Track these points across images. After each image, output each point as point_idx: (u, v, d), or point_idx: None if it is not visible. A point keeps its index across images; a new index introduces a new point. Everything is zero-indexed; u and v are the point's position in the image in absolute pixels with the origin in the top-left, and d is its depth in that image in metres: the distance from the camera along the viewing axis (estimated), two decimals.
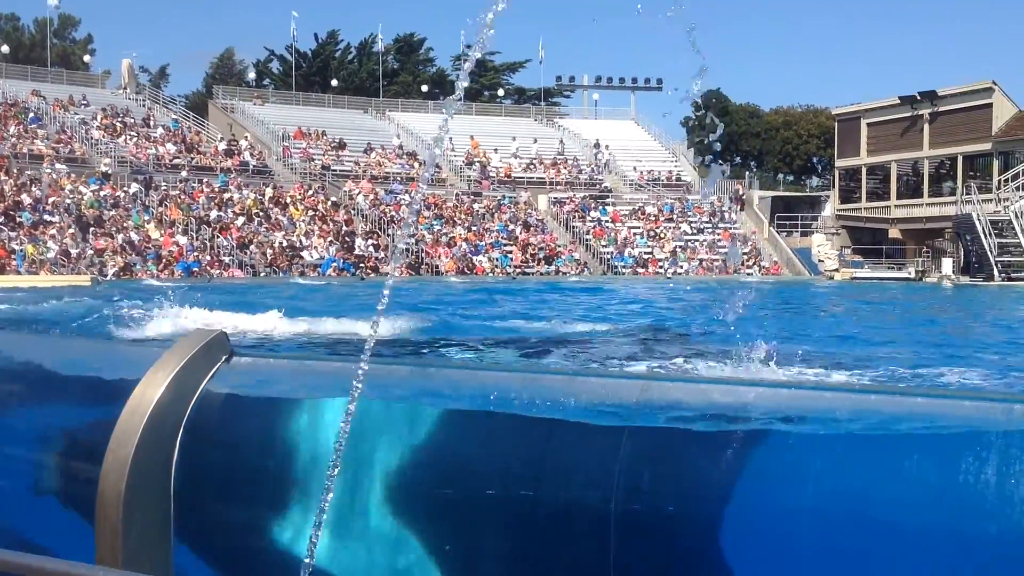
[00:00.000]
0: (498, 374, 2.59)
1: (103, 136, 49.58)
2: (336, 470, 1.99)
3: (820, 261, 50.91)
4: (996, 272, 37.81)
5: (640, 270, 49.20)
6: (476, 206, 53.03)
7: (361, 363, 2.03)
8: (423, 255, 46.96)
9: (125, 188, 45.46)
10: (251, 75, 78.41)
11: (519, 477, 2.24)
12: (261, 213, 46.96)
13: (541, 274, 46.88)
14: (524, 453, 2.26)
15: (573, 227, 52.88)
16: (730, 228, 54.34)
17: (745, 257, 51.80)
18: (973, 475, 1.81)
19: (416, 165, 55.41)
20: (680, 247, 52.04)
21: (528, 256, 49.26)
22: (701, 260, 51.08)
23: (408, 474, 2.27)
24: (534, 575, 2.18)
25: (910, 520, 1.84)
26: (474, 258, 47.97)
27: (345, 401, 2.05)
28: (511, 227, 51.68)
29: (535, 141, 61.12)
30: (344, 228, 47.66)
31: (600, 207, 54.99)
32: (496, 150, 59.51)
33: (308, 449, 2.23)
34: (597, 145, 61.61)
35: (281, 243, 44.82)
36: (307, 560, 1.93)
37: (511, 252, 49.26)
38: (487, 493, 2.28)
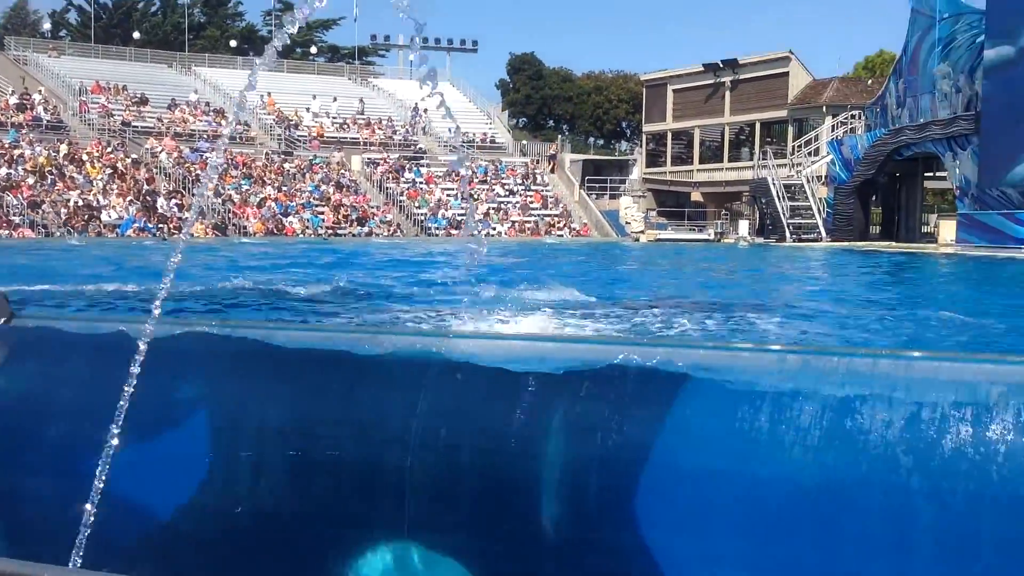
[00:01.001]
0: (294, 333, 2.56)
1: None
2: (118, 424, 1.93)
3: (627, 223, 52.38)
4: (788, 234, 39.86)
5: (454, 232, 49.37)
6: (287, 166, 51.84)
7: (147, 323, 1.96)
8: (230, 216, 45.60)
9: None
10: (46, 26, 73.84)
11: (318, 436, 2.23)
12: (55, 171, 44.46)
13: (353, 235, 46.38)
14: (322, 412, 2.24)
15: (387, 188, 52.46)
16: (542, 191, 55.17)
17: (555, 219, 52.70)
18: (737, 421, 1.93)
19: (223, 123, 53.62)
20: (494, 209, 52.46)
21: (340, 217, 48.61)
22: (514, 222, 51.68)
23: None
24: (330, 532, 2.18)
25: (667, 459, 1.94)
26: (284, 219, 46.96)
27: (132, 359, 1.98)
28: (323, 188, 50.82)
29: (361, 101, 60.16)
30: (145, 187, 45.71)
31: (414, 168, 54.76)
32: (308, 109, 58.25)
33: (91, 409, 2.15)
34: (416, 109, 61.23)
35: (77, 202, 42.61)
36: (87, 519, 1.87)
37: (323, 213, 48.48)
38: (286, 453, 2.26)
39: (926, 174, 39.70)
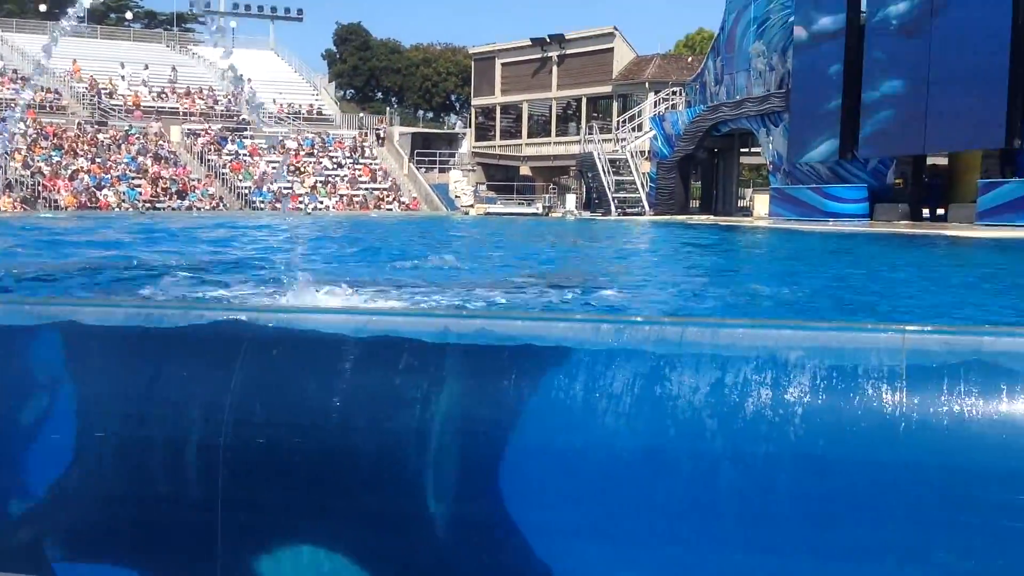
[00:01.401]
0: (99, 309, 2.45)
1: None
2: None
3: (456, 197, 52.51)
4: (613, 207, 40.81)
5: (279, 205, 48.34)
6: (101, 136, 49.56)
7: None
8: (39, 188, 43.31)
9: None
10: None
11: (125, 415, 2.15)
12: None
13: (172, 209, 44.82)
14: (129, 389, 2.17)
15: (208, 160, 50.85)
16: (371, 164, 54.62)
17: (385, 192, 52.31)
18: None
19: (33, 92, 50.75)
20: (321, 182, 51.63)
21: (159, 190, 46.86)
22: (342, 195, 51.01)
23: None
24: (138, 515, 2.11)
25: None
26: (98, 192, 44.92)
27: None
28: (140, 159, 48.84)
29: (174, 69, 57.88)
30: None
31: (237, 140, 53.27)
32: (123, 77, 55.76)
33: None
34: (243, 79, 59.35)
35: None
36: None
37: (140, 186, 46.62)
38: (95, 435, 2.17)
39: (742, 150, 41.32)
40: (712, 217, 37.06)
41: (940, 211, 28.07)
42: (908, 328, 2.03)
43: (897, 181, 28.72)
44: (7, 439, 2.21)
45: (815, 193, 30.75)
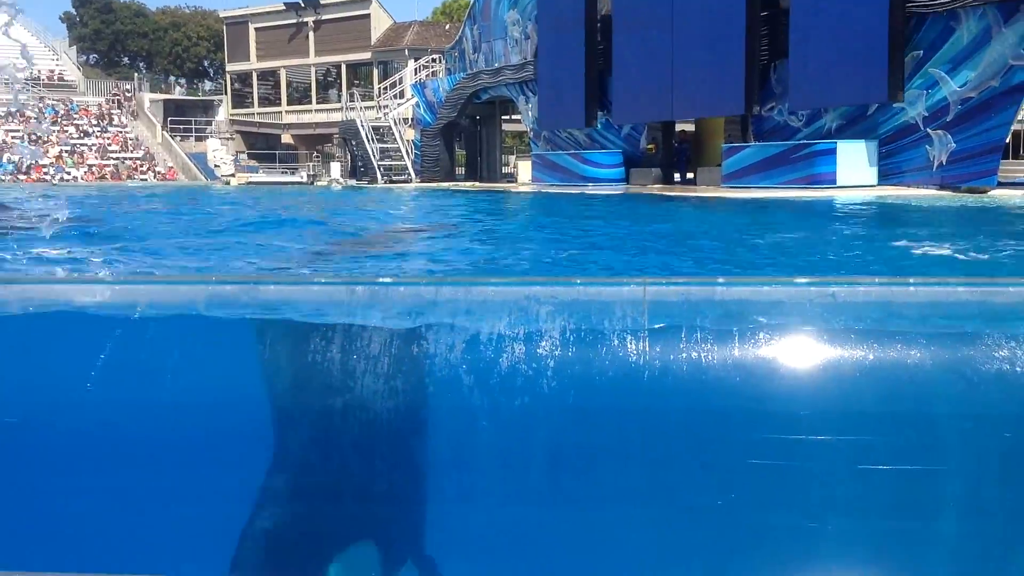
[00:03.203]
0: None
1: None
2: None
3: (216, 166, 50.75)
4: (379, 175, 40.59)
5: (23, 176, 45.24)
6: None
7: None
8: None
9: None
10: None
11: None
12: None
13: None
14: None
15: None
16: (120, 132, 51.87)
17: (138, 162, 49.87)
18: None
19: None
20: (67, 151, 48.62)
21: None
22: (91, 166, 48.25)
23: None
24: None
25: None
26: None
27: None
28: None
29: None
30: None
31: None
32: None
33: None
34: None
35: None
36: None
37: None
38: None
39: (504, 117, 41.97)
40: (477, 184, 37.53)
41: (691, 175, 29.56)
42: (649, 281, 2.15)
43: (649, 147, 29.99)
44: None
45: (574, 159, 31.67)
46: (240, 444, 1.97)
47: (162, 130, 52.72)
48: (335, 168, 45.48)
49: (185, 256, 9.52)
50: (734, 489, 1.95)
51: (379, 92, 46.79)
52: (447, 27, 53.28)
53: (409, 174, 40.68)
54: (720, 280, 2.26)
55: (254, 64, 57.71)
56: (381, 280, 2.19)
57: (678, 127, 31.42)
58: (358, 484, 1.96)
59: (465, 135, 42.90)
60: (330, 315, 2.09)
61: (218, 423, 1.93)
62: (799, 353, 1.99)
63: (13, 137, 48.40)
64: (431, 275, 6.98)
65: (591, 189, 28.31)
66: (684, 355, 2.04)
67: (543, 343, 2.03)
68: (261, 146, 54.45)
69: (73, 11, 79.25)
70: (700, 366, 2.02)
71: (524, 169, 36.42)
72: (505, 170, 43.75)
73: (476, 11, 38.62)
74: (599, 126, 30.98)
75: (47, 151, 48.10)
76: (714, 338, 2.05)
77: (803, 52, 23.00)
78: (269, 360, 2.01)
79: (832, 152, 22.23)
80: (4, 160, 46.17)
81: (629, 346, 2.03)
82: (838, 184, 21.69)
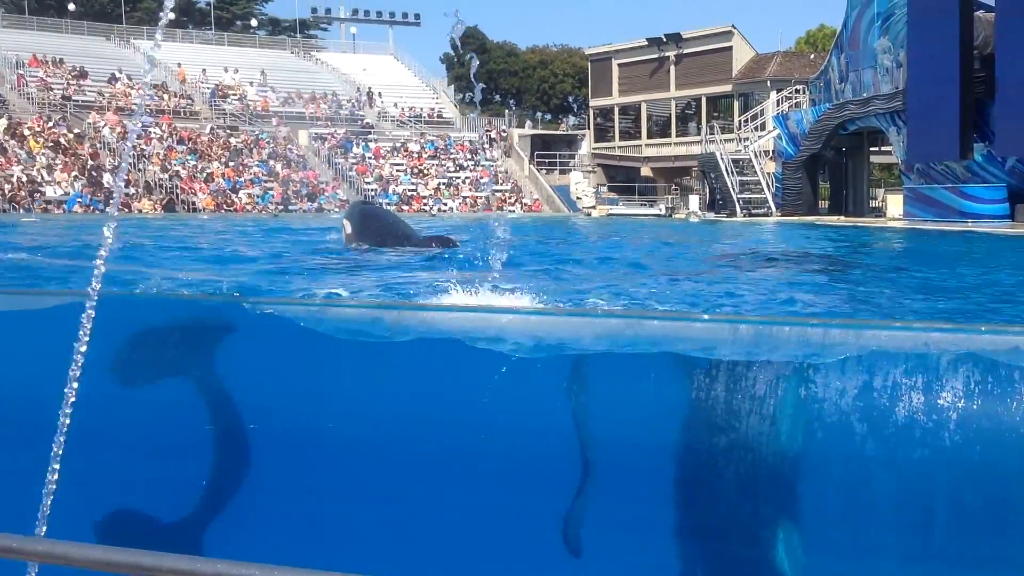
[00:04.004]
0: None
1: None
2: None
3: (578, 198, 52.54)
4: (738, 208, 40.16)
5: (405, 207, 49.18)
6: (233, 140, 51.21)
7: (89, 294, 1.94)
8: (178, 191, 45.01)
9: None
10: None
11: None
12: None
13: (304, 211, 45.99)
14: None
15: (335, 164, 52.05)
16: (490, 166, 55.06)
17: (507, 194, 52.67)
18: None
19: (167, 97, 52.75)
20: (444, 184, 52.30)
21: (290, 193, 48.17)
22: (465, 197, 51.57)
23: None
24: None
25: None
26: (233, 195, 46.45)
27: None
28: (271, 163, 50.29)
29: (301, 74, 59.48)
30: (90, 162, 44.93)
31: (362, 144, 54.36)
32: (252, 83, 57.52)
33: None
34: (370, 93, 60.62)
35: (20, 178, 41.78)
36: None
37: (272, 189, 48.01)
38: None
39: (872, 148, 40.21)
40: (843, 218, 36.16)
41: None
42: None
43: None
44: None
45: (951, 193, 29.72)
46: (620, 475, 2.00)
47: (529, 164, 55.35)
48: (693, 201, 45.55)
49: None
50: None
51: (739, 124, 46.38)
52: (811, 57, 51.87)
53: (769, 207, 39.93)
54: None
55: (616, 99, 59.18)
56: (766, 319, 2.15)
57: None
58: (743, 525, 1.93)
59: (829, 167, 41.51)
60: (715, 352, 2.07)
61: (607, 455, 1.97)
62: None
63: (397, 170, 52.73)
64: (813, 316, 6.77)
65: (972, 226, 26.32)
66: None
67: (944, 394, 1.90)
68: (621, 179, 55.70)
69: (452, 52, 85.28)
70: None
71: (893, 203, 34.65)
72: (872, 204, 41.80)
73: (844, 40, 37.35)
74: (979, 158, 28.82)
75: (427, 184, 51.98)
76: None
77: None
78: (657, 395, 2.03)
79: None
80: (389, 191, 50.41)
81: None
82: None
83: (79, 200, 41.50)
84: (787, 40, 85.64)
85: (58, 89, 50.45)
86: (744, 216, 39.60)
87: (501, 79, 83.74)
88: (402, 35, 78.22)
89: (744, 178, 41.18)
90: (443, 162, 54.37)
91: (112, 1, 72.72)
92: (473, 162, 55.07)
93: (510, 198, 52.31)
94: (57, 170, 43.35)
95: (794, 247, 19.52)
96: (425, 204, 49.95)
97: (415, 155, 54.47)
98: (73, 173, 43.47)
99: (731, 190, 40.69)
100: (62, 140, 45.74)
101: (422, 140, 55.84)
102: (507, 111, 69.61)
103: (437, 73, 72.03)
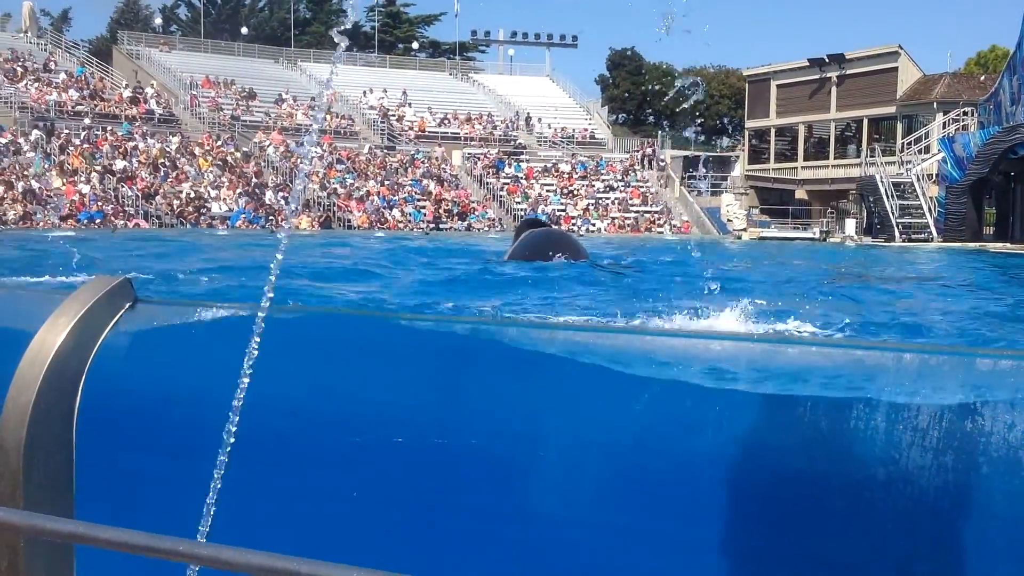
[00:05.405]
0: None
1: (3, 81, 47.75)
2: (236, 418, 1.98)
3: (729, 220, 51.74)
4: (897, 233, 38.84)
5: (554, 227, 49.42)
6: (389, 160, 52.57)
7: (259, 310, 2.01)
8: (335, 209, 46.44)
9: (26, 134, 43.95)
10: (157, 21, 76.28)
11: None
12: (168, 163, 45.86)
13: (454, 230, 46.78)
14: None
15: (487, 183, 52.78)
16: (640, 187, 54.81)
17: (656, 215, 52.33)
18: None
19: (329, 117, 54.57)
20: (593, 205, 52.35)
21: (441, 211, 49.07)
22: (613, 218, 51.48)
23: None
24: None
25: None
26: (387, 212, 47.62)
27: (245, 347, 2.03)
28: (424, 182, 51.38)
29: (458, 95, 60.71)
30: (254, 180, 46.84)
31: (515, 164, 54.97)
32: (410, 104, 58.94)
33: (211, 397, 2.20)
34: (528, 118, 61.39)
35: (188, 194, 43.89)
36: (208, 508, 1.93)
37: (424, 207, 49.02)
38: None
39: None
40: (1009, 245, 34.52)
41: None
42: None
43: None
44: None
45: None
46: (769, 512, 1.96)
47: (680, 185, 54.86)
48: (850, 224, 44.26)
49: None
50: None
51: (902, 147, 44.88)
52: (981, 78, 49.80)
53: (930, 232, 38.46)
54: None
55: (773, 120, 58.09)
56: (931, 347, 2.06)
57: None
58: (898, 563, 1.86)
59: (996, 192, 39.71)
60: (873, 385, 1.98)
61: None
62: None
63: (547, 190, 53.08)
64: (980, 346, 6.48)
65: None
66: None
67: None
68: (774, 201, 54.59)
69: (607, 74, 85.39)
70: None
71: None
72: None
73: (1017, 61, 35.76)
74: None
75: (575, 204, 52.14)
76: None
77: None
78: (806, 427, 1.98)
79: None
80: (539, 211, 50.76)
81: None
82: None
83: (242, 216, 43.27)
84: (956, 61, 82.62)
85: (227, 109, 52.84)
86: (903, 240, 38.25)
87: (656, 100, 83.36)
88: (559, 56, 78.88)
89: (904, 202, 39.80)
90: (592, 182, 54.44)
91: (282, 25, 75.78)
92: (623, 183, 54.94)
93: (659, 219, 51.94)
94: (223, 187, 45.33)
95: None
96: (574, 224, 50.09)
97: (565, 175, 54.73)
98: (238, 190, 45.36)
99: (890, 214, 39.39)
100: (229, 159, 47.83)
101: (573, 160, 56.07)
102: (660, 132, 69.24)
103: (591, 94, 72.31)
